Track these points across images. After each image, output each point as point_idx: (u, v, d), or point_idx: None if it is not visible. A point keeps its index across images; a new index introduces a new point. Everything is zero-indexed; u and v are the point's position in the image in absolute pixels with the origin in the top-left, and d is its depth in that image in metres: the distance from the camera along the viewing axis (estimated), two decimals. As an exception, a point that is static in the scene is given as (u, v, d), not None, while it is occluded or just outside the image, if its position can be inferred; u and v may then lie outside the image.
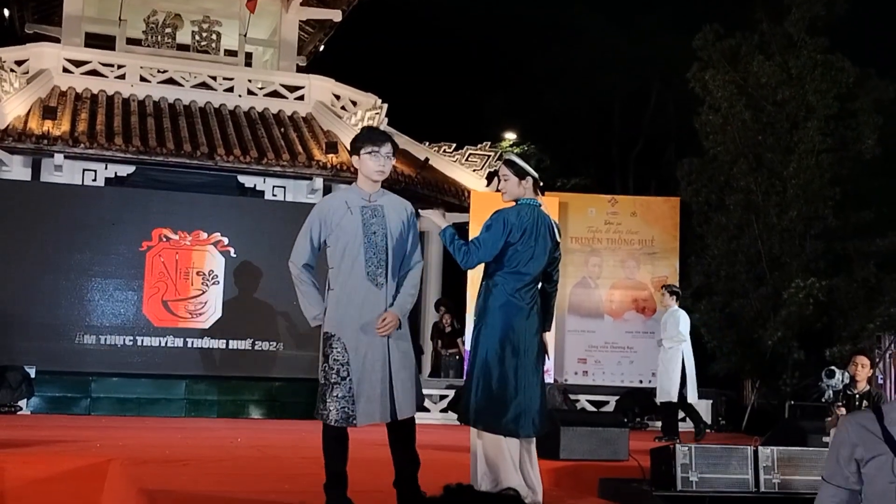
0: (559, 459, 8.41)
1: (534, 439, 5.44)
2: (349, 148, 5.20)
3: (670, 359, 11.88)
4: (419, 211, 5.72)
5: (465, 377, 5.77)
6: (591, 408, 15.04)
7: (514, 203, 5.43)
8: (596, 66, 23.62)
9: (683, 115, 18.42)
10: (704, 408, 15.45)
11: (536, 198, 5.39)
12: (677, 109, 21.58)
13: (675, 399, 11.66)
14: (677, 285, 12.43)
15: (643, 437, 11.54)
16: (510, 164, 5.50)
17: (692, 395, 11.87)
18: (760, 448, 7.82)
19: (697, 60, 15.87)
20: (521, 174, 5.41)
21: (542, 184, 5.45)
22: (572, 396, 14.81)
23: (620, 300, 16.46)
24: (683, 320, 11.90)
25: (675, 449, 7.56)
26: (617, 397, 15.02)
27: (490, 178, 18.15)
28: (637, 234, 16.55)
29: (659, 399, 12.02)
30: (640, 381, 16.05)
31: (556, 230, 5.50)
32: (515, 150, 26.26)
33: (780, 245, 15.00)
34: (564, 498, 6.63)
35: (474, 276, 15.36)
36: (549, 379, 15.25)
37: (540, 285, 5.47)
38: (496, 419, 5.20)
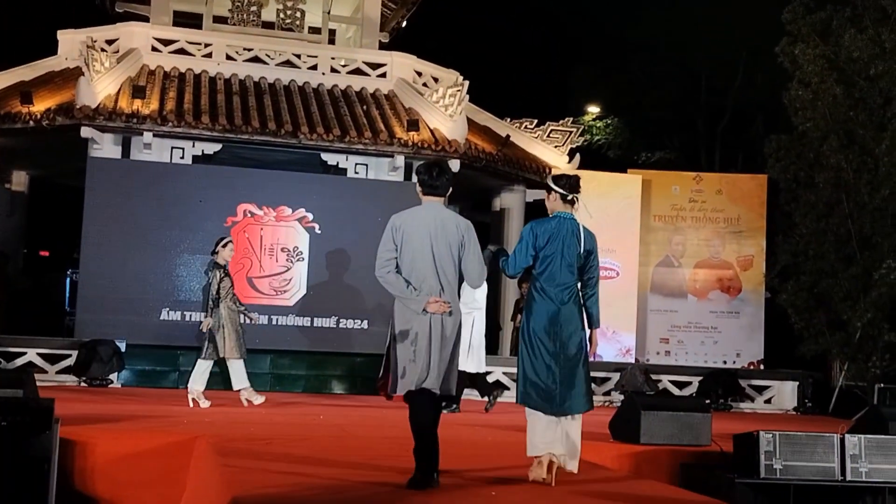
0: (639, 444, 8.35)
1: (572, 416, 6.09)
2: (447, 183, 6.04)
3: (482, 323, 11.11)
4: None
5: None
6: (673, 388, 14.88)
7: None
8: (682, 38, 23.17)
9: (772, 88, 17.98)
10: (791, 389, 15.21)
11: (567, 209, 6.18)
12: (766, 82, 21.06)
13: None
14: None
15: (727, 419, 11.40)
16: (545, 185, 6.40)
17: (476, 366, 11.05)
18: (847, 436, 7.68)
19: (787, 34, 15.45)
20: (549, 190, 6.28)
21: (569, 197, 6.18)
22: (654, 377, 14.66)
23: (704, 279, 16.25)
24: (481, 288, 10.45)
25: (760, 435, 7.46)
26: (700, 378, 14.83)
27: (571, 155, 18.01)
28: (722, 213, 16.30)
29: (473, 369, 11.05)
30: (724, 362, 15.87)
31: (582, 239, 6.12)
32: (598, 125, 26.02)
33: (871, 224, 14.59)
34: (642, 485, 6.59)
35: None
36: (630, 359, 15.17)
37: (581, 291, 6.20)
38: (542, 400, 6.00)
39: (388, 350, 5.92)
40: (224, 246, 10.96)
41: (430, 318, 5.77)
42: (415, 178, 6.20)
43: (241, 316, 10.95)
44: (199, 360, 10.70)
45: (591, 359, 6.22)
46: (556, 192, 6.21)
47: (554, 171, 6.19)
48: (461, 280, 5.99)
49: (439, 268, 5.81)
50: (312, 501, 5.17)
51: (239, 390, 10.84)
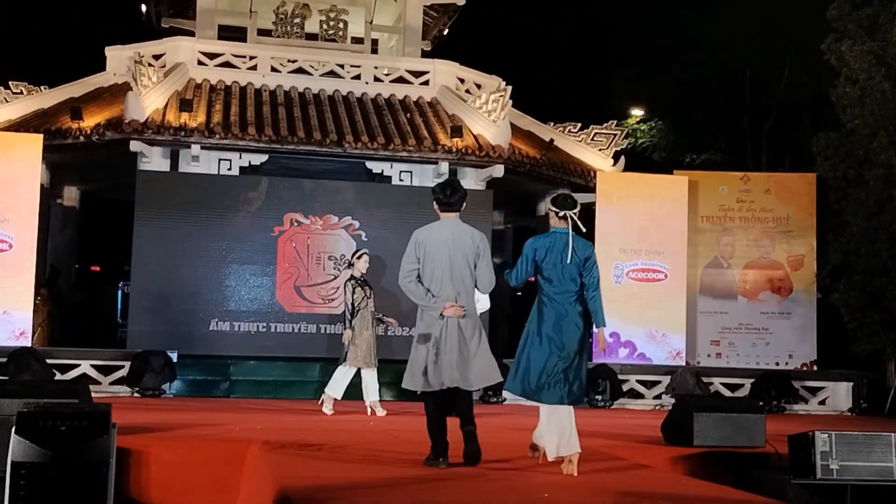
0: (693, 446, 8.26)
1: (566, 406, 6.63)
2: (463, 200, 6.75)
3: None
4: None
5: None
6: (725, 391, 14.74)
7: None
8: (726, 37, 22.93)
9: (819, 85, 17.75)
10: (845, 390, 14.99)
11: (562, 224, 6.79)
12: (812, 80, 20.79)
13: None
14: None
15: (780, 421, 11.26)
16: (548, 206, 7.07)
17: None
18: (905, 435, 7.53)
19: (832, 31, 15.27)
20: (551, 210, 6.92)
21: (561, 214, 6.79)
22: (705, 379, 14.53)
23: (755, 280, 16.09)
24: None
25: (815, 435, 7.34)
26: (752, 380, 14.67)
27: (616, 157, 17.92)
28: (771, 212, 16.14)
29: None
30: (777, 364, 15.68)
31: (574, 248, 6.69)
32: (642, 127, 25.84)
33: (924, 221, 14.37)
34: (697, 486, 6.53)
35: (602, 257, 15.22)
36: (680, 361, 15.04)
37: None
38: (527, 389, 6.68)
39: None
40: (358, 258, 11.21)
41: (447, 321, 6.48)
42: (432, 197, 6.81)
43: (379, 324, 11.16)
44: (338, 367, 11.09)
45: (605, 354, 7.18)
46: (551, 210, 6.90)
47: (556, 193, 7.49)
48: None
49: (456, 277, 6.54)
50: (363, 496, 5.20)
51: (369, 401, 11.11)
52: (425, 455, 6.64)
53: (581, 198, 16.99)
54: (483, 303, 10.08)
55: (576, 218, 6.82)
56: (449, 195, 6.64)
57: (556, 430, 6.58)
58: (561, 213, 6.82)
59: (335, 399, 11.06)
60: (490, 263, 6.67)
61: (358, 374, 11.13)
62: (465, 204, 6.72)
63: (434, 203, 6.72)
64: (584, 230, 6.91)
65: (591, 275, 6.75)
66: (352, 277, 11.11)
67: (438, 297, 6.50)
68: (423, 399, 6.60)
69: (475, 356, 6.53)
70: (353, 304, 10.93)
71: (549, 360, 6.57)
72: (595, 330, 6.87)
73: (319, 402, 11.13)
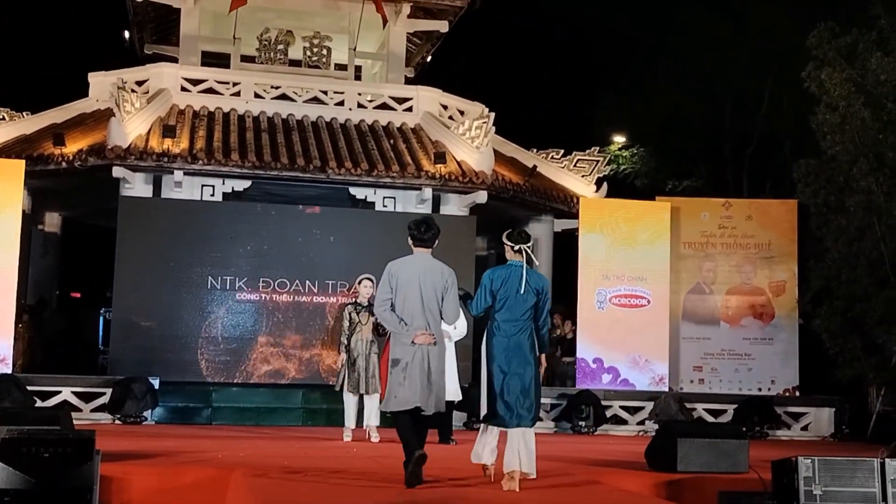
0: (676, 472, 8.26)
1: (523, 428, 7.13)
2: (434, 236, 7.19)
3: (452, 355, 10.44)
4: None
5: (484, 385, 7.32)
6: (708, 417, 14.75)
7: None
8: (707, 65, 23.16)
9: (799, 113, 17.90)
10: (827, 416, 15.03)
11: (517, 258, 7.31)
12: (792, 107, 20.98)
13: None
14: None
15: (763, 447, 11.27)
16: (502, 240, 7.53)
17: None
18: (888, 460, 7.55)
19: (812, 59, 15.42)
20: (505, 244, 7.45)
21: (517, 247, 7.31)
22: (688, 405, 14.55)
23: (737, 306, 16.15)
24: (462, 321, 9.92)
25: (799, 461, 7.35)
26: (735, 406, 14.69)
27: (598, 184, 18.00)
28: (753, 238, 16.23)
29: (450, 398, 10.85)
30: (759, 389, 15.71)
31: (527, 280, 7.20)
32: (624, 154, 25.98)
33: (904, 247, 14.47)
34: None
35: (584, 283, 15.28)
36: (663, 387, 15.06)
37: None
38: (499, 419, 7.14)
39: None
40: (359, 283, 11.23)
41: (418, 347, 6.94)
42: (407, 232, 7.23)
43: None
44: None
45: (541, 380, 7.40)
46: (506, 244, 7.42)
47: (510, 229, 7.63)
48: None
49: (426, 307, 6.99)
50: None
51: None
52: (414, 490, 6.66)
53: (564, 224, 17.36)
54: (460, 330, 10.15)
55: (530, 251, 7.36)
56: (423, 231, 7.13)
57: (524, 449, 7.08)
58: (516, 247, 7.34)
59: (351, 428, 11.10)
60: (456, 296, 7.13)
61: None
62: (437, 241, 7.19)
63: (409, 238, 7.18)
64: (537, 263, 7.35)
65: (544, 306, 7.33)
66: (352, 303, 11.20)
67: (410, 326, 6.97)
68: (395, 416, 7.06)
69: (437, 383, 7.02)
70: (345, 329, 10.99)
71: (509, 393, 7.08)
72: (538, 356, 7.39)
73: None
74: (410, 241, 7.19)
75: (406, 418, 6.96)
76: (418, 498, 6.34)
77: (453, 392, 10.60)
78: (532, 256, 7.39)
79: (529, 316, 7.25)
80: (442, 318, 7.12)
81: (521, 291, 7.20)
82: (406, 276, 7.04)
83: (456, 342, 10.40)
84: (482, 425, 7.37)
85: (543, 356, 7.52)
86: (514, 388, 7.09)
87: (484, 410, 7.21)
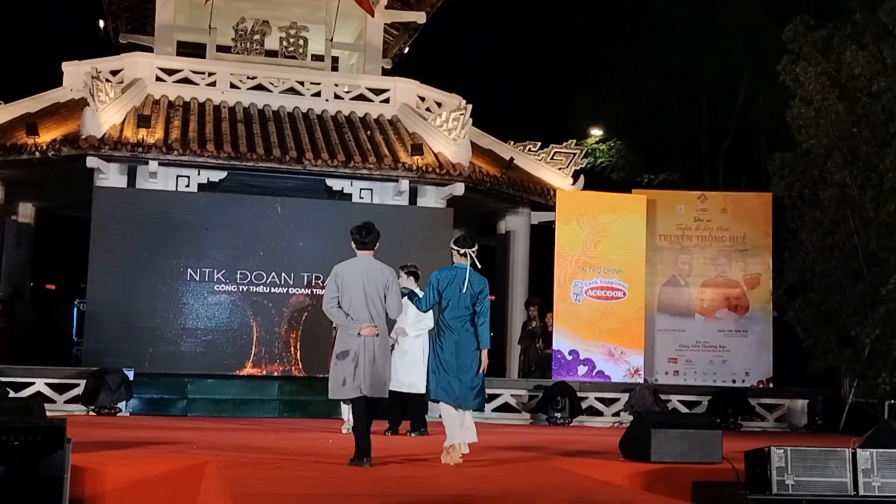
0: (650, 462, 8.31)
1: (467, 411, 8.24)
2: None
3: (417, 348, 10.96)
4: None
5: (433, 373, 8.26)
6: (682, 408, 14.83)
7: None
8: (683, 59, 23.27)
9: (775, 106, 18.00)
10: (801, 407, 15.14)
11: (462, 261, 8.19)
12: (768, 101, 21.10)
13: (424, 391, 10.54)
14: (414, 264, 11.06)
15: (737, 438, 11.35)
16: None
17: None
18: (859, 450, 7.61)
19: (788, 52, 15.50)
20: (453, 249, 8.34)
21: (463, 251, 8.18)
22: (663, 396, 14.62)
23: (712, 298, 16.23)
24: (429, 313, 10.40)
25: (771, 451, 7.40)
26: (709, 397, 14.77)
27: (575, 176, 18.04)
28: (728, 231, 16.31)
29: (406, 390, 10.86)
30: (733, 381, 15.81)
31: (469, 282, 8.09)
32: (601, 147, 26.05)
33: (877, 240, 14.55)
34: (656, 502, 6.56)
35: (561, 276, 15.32)
36: (638, 379, 15.13)
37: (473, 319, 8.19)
38: (444, 397, 8.11)
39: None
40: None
41: (363, 339, 7.68)
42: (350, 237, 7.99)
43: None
44: None
45: (483, 373, 8.23)
46: (454, 249, 8.27)
47: (458, 236, 8.81)
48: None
49: (369, 303, 7.72)
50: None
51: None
52: (384, 474, 6.69)
53: (540, 216, 17.38)
54: (427, 321, 10.29)
55: (474, 256, 8.18)
56: (364, 235, 7.90)
57: (469, 427, 8.27)
58: (462, 251, 8.19)
59: (344, 420, 11.15)
60: (397, 293, 7.95)
61: None
62: (378, 244, 7.96)
63: (352, 242, 7.95)
64: (479, 266, 8.26)
65: (483, 304, 8.14)
66: None
67: (356, 320, 7.70)
68: (350, 405, 7.96)
69: (381, 371, 7.78)
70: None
71: (456, 382, 8.00)
72: (481, 349, 8.19)
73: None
74: (353, 245, 7.95)
75: (361, 409, 7.69)
76: (391, 486, 6.34)
77: (420, 384, 10.70)
78: (475, 260, 8.19)
79: (471, 313, 8.11)
80: (387, 313, 7.88)
81: (464, 291, 8.07)
82: (350, 276, 7.79)
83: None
84: (445, 411, 8.15)
85: (485, 352, 8.20)
86: (463, 376, 8.01)
87: (434, 393, 8.16)
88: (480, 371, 8.18)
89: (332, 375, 7.83)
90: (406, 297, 8.63)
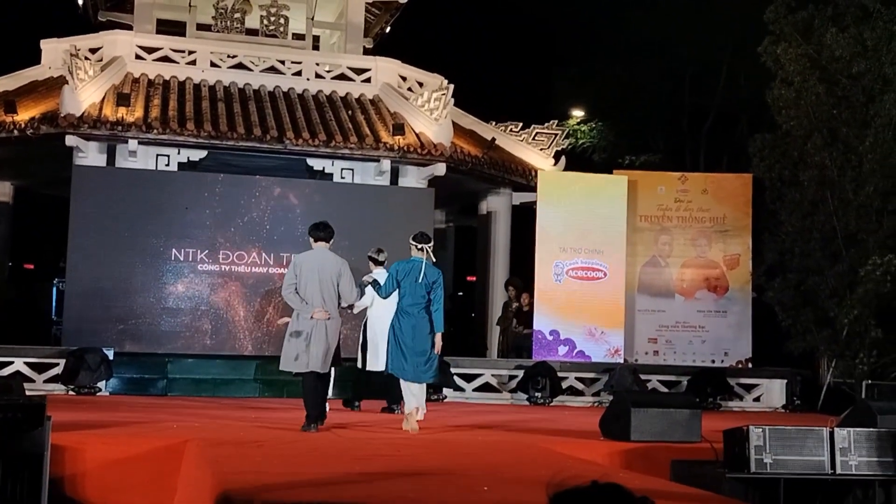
0: (630, 441, 8.37)
1: (422, 384, 9.44)
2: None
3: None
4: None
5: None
6: (662, 388, 14.91)
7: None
8: (665, 39, 23.25)
9: (756, 87, 18.04)
10: (779, 387, 15.26)
11: (419, 255, 9.31)
12: (749, 82, 21.14)
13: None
14: (377, 249, 11.33)
15: (716, 418, 11.43)
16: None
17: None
18: (837, 429, 7.69)
19: (769, 34, 15.53)
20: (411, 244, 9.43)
21: (420, 246, 9.33)
22: (643, 377, 14.69)
23: (692, 279, 16.30)
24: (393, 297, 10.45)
25: (749, 430, 7.46)
26: (689, 377, 14.87)
27: (557, 157, 18.05)
28: (708, 212, 16.36)
29: (376, 368, 11.06)
30: (713, 361, 15.90)
31: (424, 273, 9.19)
32: (582, 128, 26.05)
33: (856, 221, 14.65)
34: (633, 479, 6.60)
35: (542, 256, 15.34)
36: (619, 359, 15.20)
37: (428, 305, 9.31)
38: (401, 372, 9.29)
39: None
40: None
41: (315, 322, 8.81)
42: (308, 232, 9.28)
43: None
44: None
45: (439, 354, 9.43)
46: (412, 244, 9.36)
47: (416, 232, 9.75)
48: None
49: (323, 290, 8.88)
50: (304, 493, 5.17)
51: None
52: (367, 453, 6.76)
53: (522, 197, 17.41)
54: (365, 300, 10.94)
55: (429, 251, 9.32)
56: (320, 230, 9.18)
57: (421, 397, 9.46)
58: (419, 246, 9.31)
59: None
60: (350, 281, 9.07)
61: None
62: (333, 236, 9.21)
63: (309, 237, 9.23)
64: (434, 260, 9.43)
65: (437, 294, 9.26)
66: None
67: (310, 305, 8.82)
68: (300, 377, 9.07)
69: (331, 349, 8.96)
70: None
71: (412, 360, 9.12)
72: (436, 333, 9.32)
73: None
74: (311, 239, 9.17)
75: (310, 379, 8.88)
76: (374, 465, 6.36)
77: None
78: (431, 254, 9.32)
79: (426, 301, 9.21)
80: (341, 298, 9.06)
81: (419, 281, 9.15)
82: (308, 265, 8.94)
83: None
84: (403, 383, 9.32)
85: (439, 335, 9.32)
86: (417, 355, 9.13)
87: (391, 367, 9.30)
88: (436, 351, 9.31)
89: (284, 350, 9.01)
90: (371, 286, 9.91)
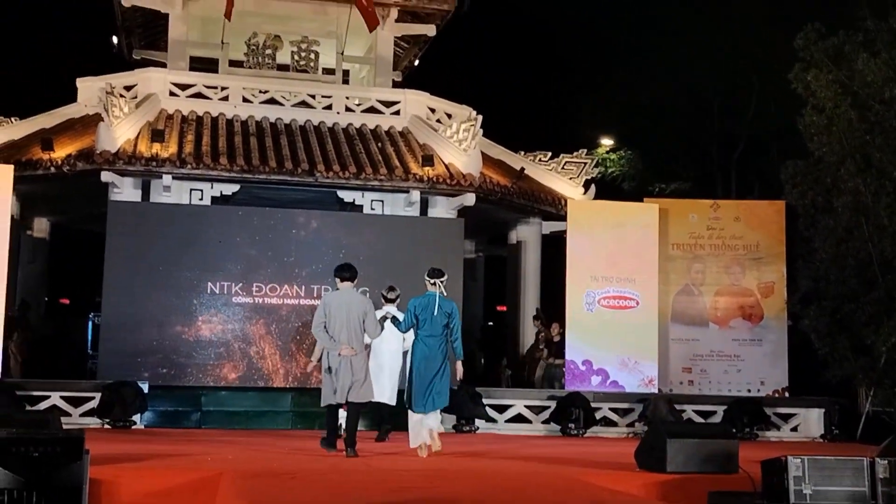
0: (666, 472, 8.28)
1: (435, 413, 9.95)
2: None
3: (396, 368, 11.70)
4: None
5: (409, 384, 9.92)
6: (697, 418, 14.77)
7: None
8: (694, 67, 23.27)
9: (786, 114, 17.95)
10: (817, 416, 15.06)
11: (432, 289, 9.95)
12: (779, 109, 21.06)
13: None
14: (390, 287, 11.73)
15: (753, 448, 11.30)
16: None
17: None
18: (877, 459, 7.57)
19: (799, 61, 15.47)
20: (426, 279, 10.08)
21: (433, 281, 9.96)
22: (678, 406, 14.56)
23: (726, 307, 16.18)
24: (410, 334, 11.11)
25: (788, 461, 7.37)
26: (724, 407, 14.71)
27: (586, 186, 18.04)
28: (741, 240, 16.27)
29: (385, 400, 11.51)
30: (749, 391, 15.74)
31: (439, 306, 9.85)
32: (612, 157, 26.04)
33: (891, 247, 14.48)
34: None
35: (573, 285, 15.28)
36: (653, 389, 15.08)
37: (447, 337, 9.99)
38: (416, 405, 9.77)
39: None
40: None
41: (343, 358, 9.55)
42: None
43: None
44: None
45: (456, 383, 10.34)
46: (426, 280, 10.00)
47: (430, 268, 10.26)
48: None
49: (350, 328, 9.61)
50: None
51: None
52: (400, 485, 6.70)
53: (552, 226, 17.41)
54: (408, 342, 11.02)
55: (442, 285, 9.97)
56: (346, 271, 9.94)
57: (434, 425, 9.89)
58: (432, 281, 9.96)
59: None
60: (374, 319, 9.90)
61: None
62: (357, 276, 9.95)
63: (336, 278, 9.99)
64: (445, 294, 10.05)
65: (454, 323, 9.92)
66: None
67: (338, 342, 9.55)
68: (327, 408, 9.86)
69: (360, 381, 9.61)
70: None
71: (425, 386, 9.68)
72: (457, 361, 10.17)
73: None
74: (337, 280, 9.95)
75: (334, 410, 9.82)
76: (407, 496, 6.34)
77: (388, 396, 11.45)
78: (443, 289, 9.96)
79: (444, 332, 9.88)
80: (366, 334, 9.81)
81: (436, 314, 9.82)
82: (335, 305, 9.73)
83: None
84: (412, 416, 9.80)
85: (459, 362, 10.17)
86: (426, 380, 9.69)
87: (410, 399, 9.74)
88: (458, 378, 10.33)
89: (323, 387, 9.73)
90: (390, 321, 10.53)
